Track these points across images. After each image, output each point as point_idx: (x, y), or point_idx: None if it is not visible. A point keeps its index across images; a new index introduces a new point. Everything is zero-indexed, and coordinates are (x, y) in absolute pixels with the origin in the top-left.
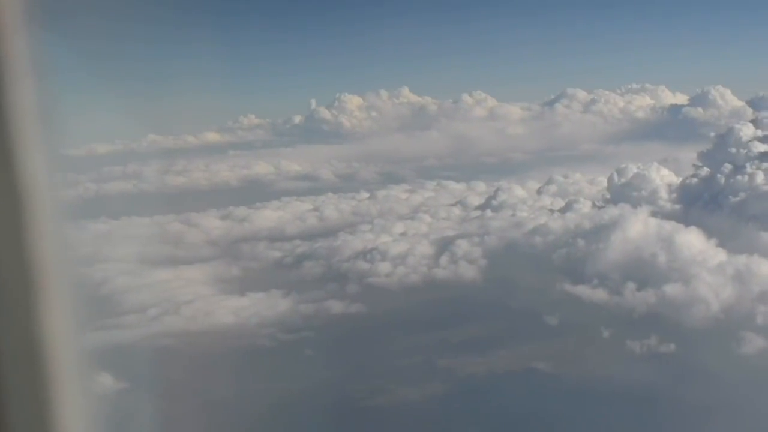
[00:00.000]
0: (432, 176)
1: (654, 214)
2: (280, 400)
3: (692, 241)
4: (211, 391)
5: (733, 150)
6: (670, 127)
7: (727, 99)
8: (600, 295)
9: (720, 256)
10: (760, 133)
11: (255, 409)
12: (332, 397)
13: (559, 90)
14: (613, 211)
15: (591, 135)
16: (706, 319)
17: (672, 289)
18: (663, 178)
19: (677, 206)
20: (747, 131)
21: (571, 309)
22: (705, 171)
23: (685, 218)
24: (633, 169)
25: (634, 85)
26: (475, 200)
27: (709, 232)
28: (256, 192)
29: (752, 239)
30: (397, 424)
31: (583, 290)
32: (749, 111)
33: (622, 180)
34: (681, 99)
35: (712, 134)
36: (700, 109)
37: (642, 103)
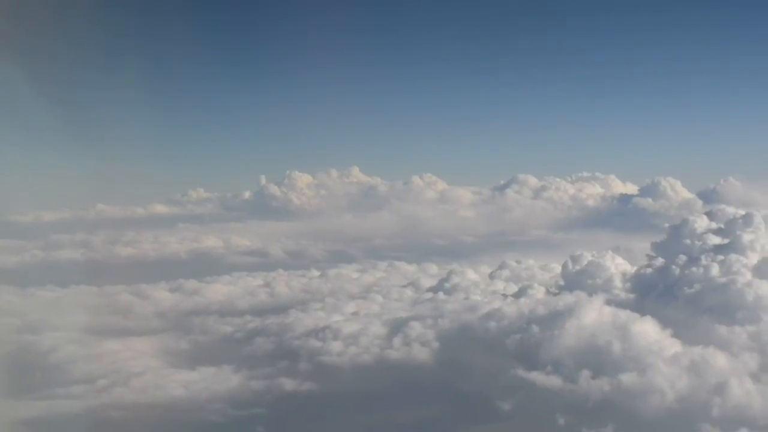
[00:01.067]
0: (382, 256)
1: (609, 302)
2: None
3: (647, 330)
4: None
5: (688, 241)
6: (620, 216)
7: (677, 190)
8: (554, 381)
9: (675, 346)
10: (714, 225)
11: None
12: None
13: (509, 176)
14: (568, 298)
15: (541, 221)
16: (661, 410)
17: (628, 378)
18: (617, 266)
19: (631, 295)
20: (701, 223)
21: (525, 395)
22: (659, 261)
23: (639, 308)
24: (587, 256)
25: (585, 174)
26: (428, 282)
27: (664, 323)
28: (205, 265)
29: (707, 331)
30: None
31: (537, 376)
32: (699, 203)
33: (577, 267)
34: (631, 189)
35: (666, 225)
36: (650, 200)
37: (592, 192)
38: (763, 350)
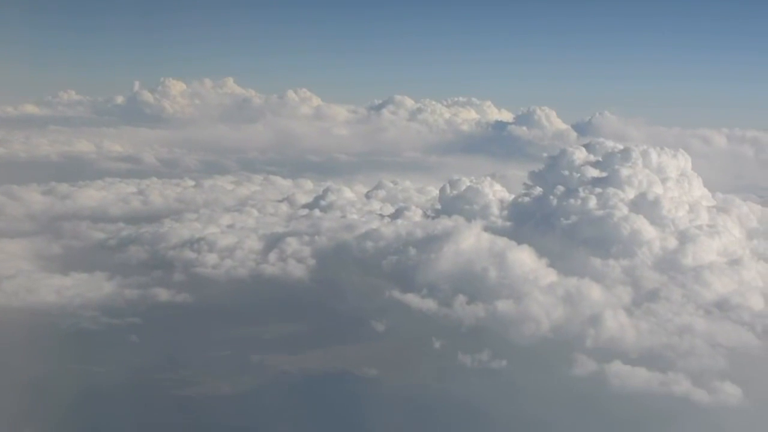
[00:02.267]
0: (255, 169)
1: (486, 229)
2: (94, 384)
3: (524, 259)
4: (25, 370)
5: (566, 173)
6: (494, 142)
7: (552, 120)
8: (429, 305)
9: (551, 276)
10: (592, 158)
11: (65, 392)
12: (145, 386)
13: (385, 95)
14: (446, 223)
15: (416, 143)
16: (536, 338)
17: (503, 305)
18: (495, 193)
19: (508, 223)
20: (579, 155)
21: (399, 316)
22: (537, 190)
23: (516, 236)
24: (465, 181)
25: (461, 98)
26: (303, 198)
27: (540, 252)
28: (77, 169)
29: (583, 263)
30: (204, 416)
31: (412, 299)
32: (574, 134)
33: (454, 192)
34: (506, 116)
35: (544, 155)
36: (524, 128)
37: (467, 117)
38: (636, 284)
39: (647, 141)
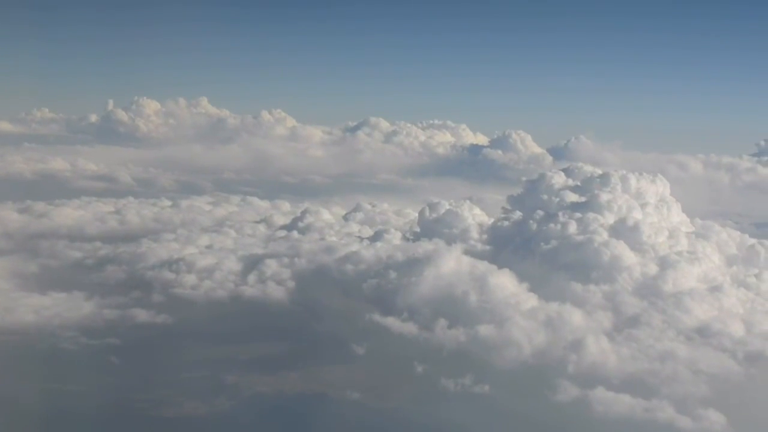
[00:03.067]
0: (231, 190)
1: (465, 252)
2: (68, 404)
3: (505, 283)
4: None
5: (545, 197)
6: (470, 166)
7: (527, 144)
8: (410, 328)
9: (532, 301)
10: (571, 182)
11: (38, 412)
12: (120, 406)
13: (360, 117)
14: (426, 246)
15: (391, 165)
16: (517, 363)
17: (485, 330)
18: (474, 217)
19: (488, 247)
20: (558, 179)
21: (380, 340)
22: (517, 214)
23: (495, 260)
24: (445, 205)
25: (436, 121)
26: (281, 219)
27: (520, 276)
28: (52, 188)
29: (563, 288)
30: None
31: (392, 322)
32: (549, 158)
33: (434, 215)
34: (481, 139)
35: (523, 179)
36: (500, 152)
37: (443, 140)
38: (617, 310)
39: (624, 166)
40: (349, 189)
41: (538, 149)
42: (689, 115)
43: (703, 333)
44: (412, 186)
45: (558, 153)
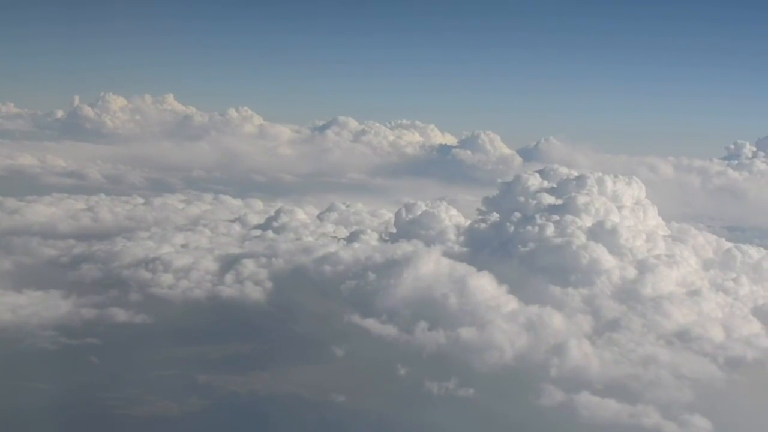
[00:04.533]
0: (200, 187)
1: (443, 254)
2: (51, 404)
3: (485, 285)
4: None
5: (521, 199)
6: (439, 166)
7: (496, 145)
8: (389, 330)
9: (512, 303)
10: (546, 184)
11: (21, 412)
12: (97, 405)
13: (327, 116)
14: (405, 247)
15: (361, 165)
16: (498, 366)
17: (466, 333)
18: (451, 218)
19: (465, 249)
20: (534, 181)
21: (359, 341)
22: (494, 216)
23: (473, 262)
24: (421, 206)
25: (404, 121)
26: (254, 218)
27: (499, 279)
28: (21, 184)
29: (542, 291)
30: None
31: (372, 324)
32: (519, 159)
33: (410, 216)
34: (450, 139)
35: (499, 181)
36: (469, 152)
37: (411, 139)
38: (596, 313)
39: (595, 168)
40: (320, 188)
41: (507, 150)
42: (657, 117)
43: (683, 337)
44: (382, 186)
45: (528, 154)
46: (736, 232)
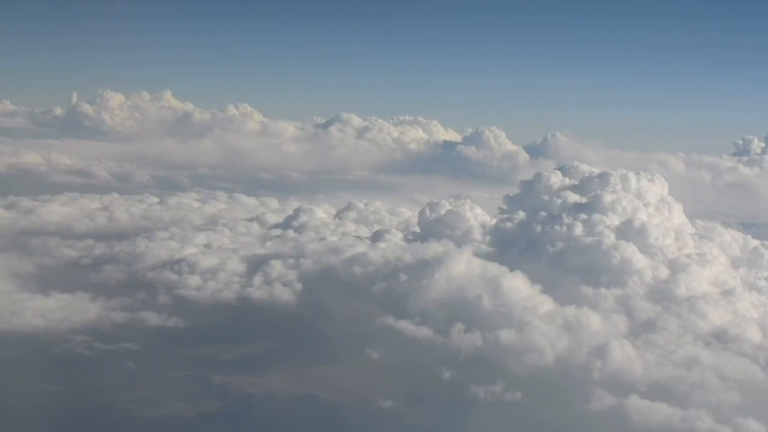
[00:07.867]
0: (208, 185)
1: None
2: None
3: (519, 286)
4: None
5: (545, 197)
6: (443, 162)
7: (501, 141)
8: (424, 332)
9: (547, 304)
10: (568, 181)
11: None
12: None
13: (331, 113)
14: (435, 248)
15: (365, 162)
16: (538, 369)
17: (505, 335)
18: (476, 217)
19: (492, 248)
20: (555, 179)
21: (394, 344)
22: (519, 215)
23: (502, 262)
24: (446, 205)
25: (407, 117)
26: (272, 217)
27: (531, 279)
28: (29, 182)
29: (574, 291)
30: None
31: (406, 326)
32: (525, 156)
33: (434, 215)
34: (453, 136)
35: (520, 179)
36: (473, 148)
37: (415, 136)
38: (630, 314)
39: (606, 164)
40: (328, 186)
41: (512, 146)
42: (662, 113)
43: (720, 338)
44: (389, 183)
45: (535, 150)
46: (751, 229)
